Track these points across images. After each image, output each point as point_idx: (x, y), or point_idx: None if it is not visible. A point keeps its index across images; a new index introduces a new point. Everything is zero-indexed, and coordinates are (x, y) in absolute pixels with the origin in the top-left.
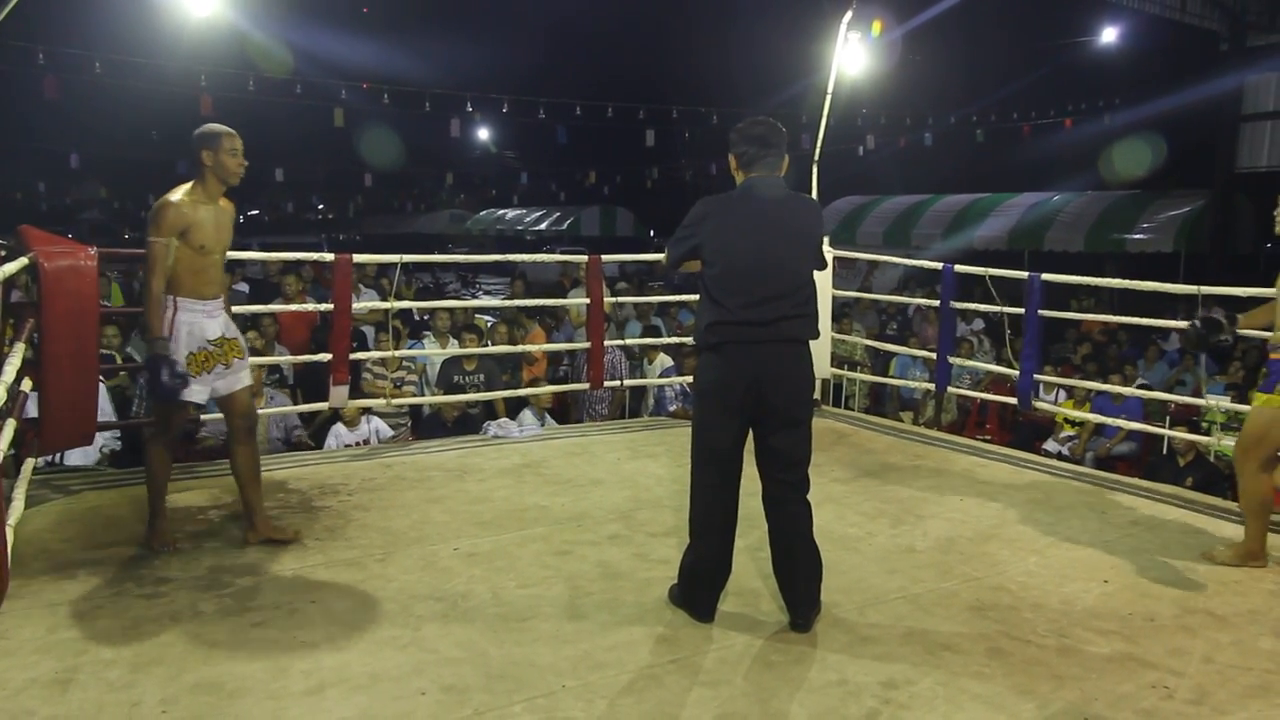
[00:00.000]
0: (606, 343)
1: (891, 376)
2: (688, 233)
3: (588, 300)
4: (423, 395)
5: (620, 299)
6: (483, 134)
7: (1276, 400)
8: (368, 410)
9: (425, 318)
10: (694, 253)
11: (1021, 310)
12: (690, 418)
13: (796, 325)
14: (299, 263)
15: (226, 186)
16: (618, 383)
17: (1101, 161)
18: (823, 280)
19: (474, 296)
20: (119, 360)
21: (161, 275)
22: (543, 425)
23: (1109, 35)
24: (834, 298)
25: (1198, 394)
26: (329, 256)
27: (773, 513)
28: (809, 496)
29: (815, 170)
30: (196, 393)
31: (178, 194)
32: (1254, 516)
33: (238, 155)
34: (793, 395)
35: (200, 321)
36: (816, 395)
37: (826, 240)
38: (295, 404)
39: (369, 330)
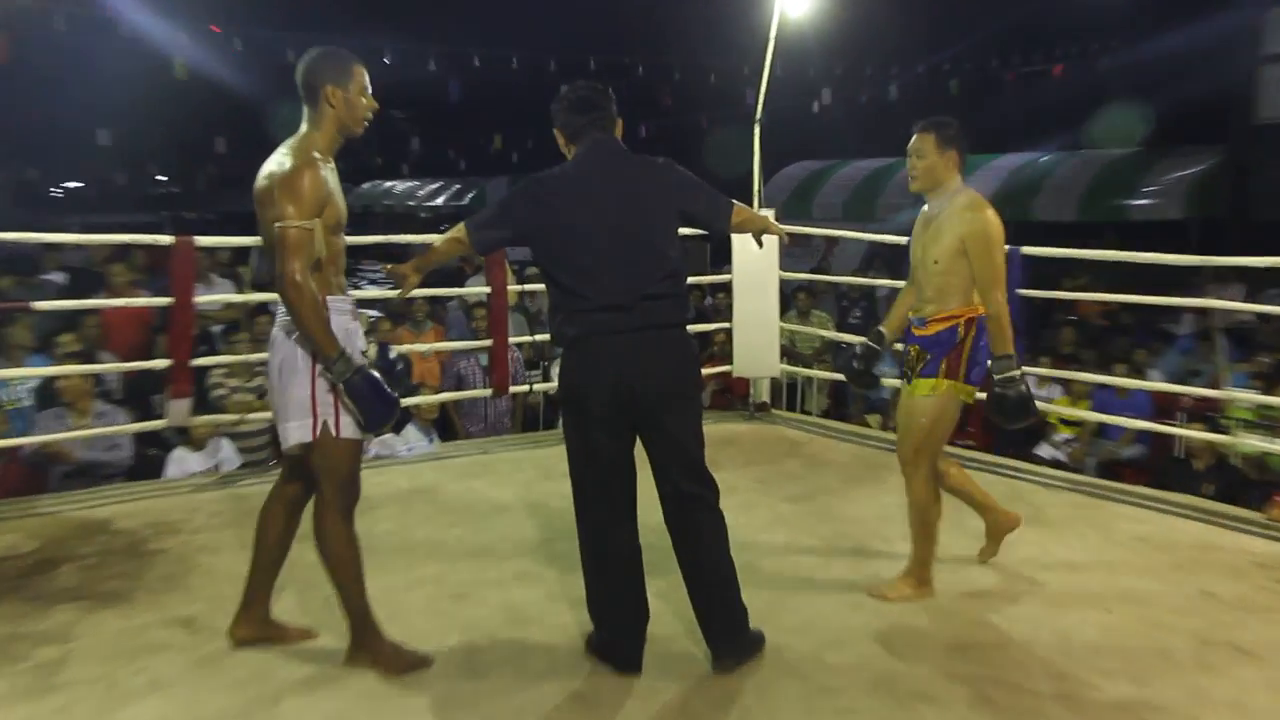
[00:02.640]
0: (512, 340)
1: None
2: (504, 216)
3: (488, 290)
4: None
5: (531, 287)
6: None
7: (943, 384)
8: (217, 430)
9: None
10: (519, 239)
11: None
12: None
13: (663, 307)
14: (129, 247)
15: (346, 139)
16: (526, 388)
17: (1097, 115)
18: (769, 260)
19: (356, 287)
20: None
21: (309, 273)
22: (431, 442)
23: None
24: (784, 281)
25: (1216, 386)
26: (166, 239)
27: (676, 529)
28: (720, 504)
29: (758, 131)
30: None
31: (297, 154)
32: (925, 536)
33: (368, 95)
34: (669, 388)
35: (347, 324)
36: (767, 397)
37: (772, 213)
38: (119, 424)
39: (219, 330)
